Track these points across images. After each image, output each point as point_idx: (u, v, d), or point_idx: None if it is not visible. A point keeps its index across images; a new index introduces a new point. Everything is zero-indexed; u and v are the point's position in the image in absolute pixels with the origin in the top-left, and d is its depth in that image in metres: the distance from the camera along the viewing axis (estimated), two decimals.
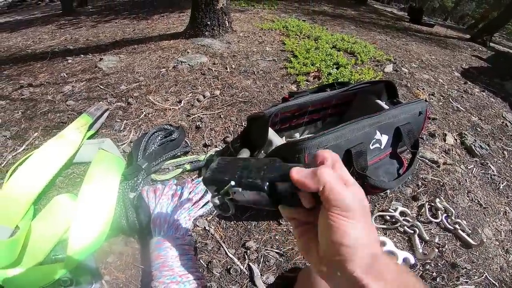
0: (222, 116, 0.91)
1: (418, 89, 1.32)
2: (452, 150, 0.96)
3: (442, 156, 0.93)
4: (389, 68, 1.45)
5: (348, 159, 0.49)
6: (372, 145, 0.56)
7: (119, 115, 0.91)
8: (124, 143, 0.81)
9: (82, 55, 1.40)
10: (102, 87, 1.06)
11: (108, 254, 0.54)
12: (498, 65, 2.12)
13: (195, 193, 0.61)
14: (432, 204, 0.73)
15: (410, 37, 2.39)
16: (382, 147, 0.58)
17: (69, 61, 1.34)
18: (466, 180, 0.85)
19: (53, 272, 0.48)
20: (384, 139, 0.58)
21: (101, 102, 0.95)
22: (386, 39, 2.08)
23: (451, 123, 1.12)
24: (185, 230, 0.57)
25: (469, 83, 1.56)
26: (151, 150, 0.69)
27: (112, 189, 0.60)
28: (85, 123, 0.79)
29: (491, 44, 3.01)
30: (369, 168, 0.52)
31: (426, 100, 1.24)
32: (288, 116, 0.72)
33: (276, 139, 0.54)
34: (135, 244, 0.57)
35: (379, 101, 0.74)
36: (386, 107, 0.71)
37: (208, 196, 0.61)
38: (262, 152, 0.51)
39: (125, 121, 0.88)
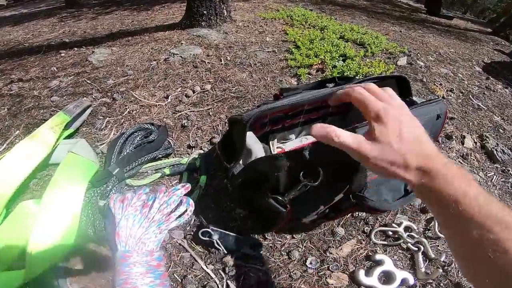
0: (211, 113, 0.83)
1: (435, 84, 1.19)
2: (470, 155, 0.85)
3: (459, 161, 0.82)
4: (402, 61, 1.31)
5: (343, 175, 0.40)
6: None
7: (102, 112, 0.85)
8: (104, 143, 0.75)
9: (75, 48, 1.34)
10: (89, 81, 1.00)
11: (77, 263, 0.51)
12: None
13: (168, 204, 0.54)
14: None
15: (427, 29, 2.21)
16: None
17: (62, 54, 1.29)
18: (484, 189, 0.74)
19: (13, 279, 0.45)
20: None
21: (84, 98, 0.89)
22: (401, 31, 1.92)
23: (470, 123, 0.99)
24: (155, 244, 0.50)
25: (491, 78, 1.41)
26: (125, 153, 0.62)
27: (77, 196, 0.56)
28: (60, 122, 0.73)
29: None
30: (370, 183, 0.43)
31: (443, 97, 1.12)
32: (281, 116, 0.63)
33: (257, 149, 0.45)
34: (107, 252, 0.53)
35: None
36: None
37: (182, 208, 0.54)
38: (241, 162, 0.43)
39: (107, 118, 0.82)
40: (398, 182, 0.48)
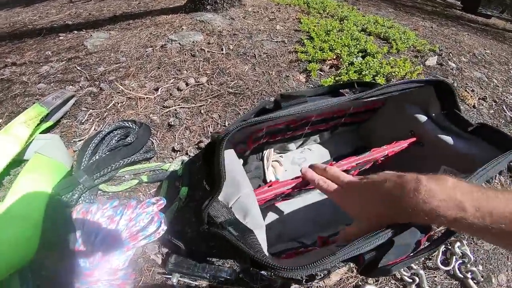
0: (202, 111, 0.73)
1: (466, 90, 1.04)
2: (494, 178, 0.72)
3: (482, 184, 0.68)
4: (432, 61, 1.15)
5: None
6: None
7: (87, 103, 0.77)
8: (82, 139, 0.67)
9: (75, 31, 1.28)
10: (79, 68, 0.93)
11: (42, 269, 0.47)
12: None
13: (136, 222, 0.46)
14: (450, 247, 0.58)
15: (461, 27, 1.98)
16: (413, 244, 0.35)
17: (61, 38, 1.23)
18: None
19: None
20: None
21: (69, 87, 0.82)
22: (432, 27, 1.71)
23: None
24: (120, 262, 0.44)
25: None
26: (97, 158, 0.54)
27: (40, 201, 0.51)
28: (35, 116, 0.66)
29: None
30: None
31: (474, 107, 0.96)
32: (280, 128, 0.52)
33: (242, 182, 0.34)
34: (72, 262, 0.47)
35: (419, 117, 0.49)
36: (429, 128, 0.47)
37: (152, 227, 0.46)
38: (218, 198, 0.32)
39: (90, 110, 0.75)
40: (411, 235, 0.35)
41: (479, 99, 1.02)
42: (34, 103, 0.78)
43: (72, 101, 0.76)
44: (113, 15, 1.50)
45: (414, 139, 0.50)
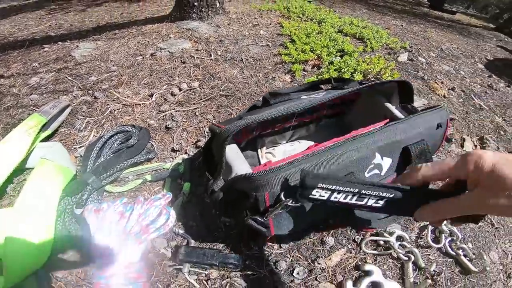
0: (197, 113, 0.78)
1: (436, 82, 1.14)
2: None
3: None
4: (403, 57, 1.26)
5: None
6: (368, 172, 0.41)
7: (82, 111, 0.80)
8: (83, 145, 0.70)
9: (60, 43, 1.28)
10: (70, 78, 0.95)
11: (57, 270, 0.49)
12: None
13: (146, 216, 0.50)
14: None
15: (429, 24, 2.14)
16: (382, 173, 0.43)
17: (46, 49, 1.23)
18: None
19: None
20: (387, 163, 0.43)
21: (63, 97, 0.84)
22: (402, 25, 1.85)
23: (471, 124, 0.95)
24: (134, 256, 0.48)
25: (494, 76, 1.36)
26: (102, 160, 0.58)
27: (50, 204, 0.53)
28: (35, 124, 0.68)
29: None
30: None
31: (444, 96, 1.07)
32: (270, 121, 0.58)
33: (238, 165, 0.40)
34: (87, 259, 0.50)
35: (388, 105, 0.58)
36: (397, 113, 0.55)
37: (161, 219, 0.50)
38: (221, 178, 0.38)
39: (87, 118, 0.77)
40: None
41: (448, 89, 1.12)
42: (29, 114, 0.80)
43: (67, 111, 0.79)
44: (96, 25, 1.51)
45: (387, 120, 0.58)
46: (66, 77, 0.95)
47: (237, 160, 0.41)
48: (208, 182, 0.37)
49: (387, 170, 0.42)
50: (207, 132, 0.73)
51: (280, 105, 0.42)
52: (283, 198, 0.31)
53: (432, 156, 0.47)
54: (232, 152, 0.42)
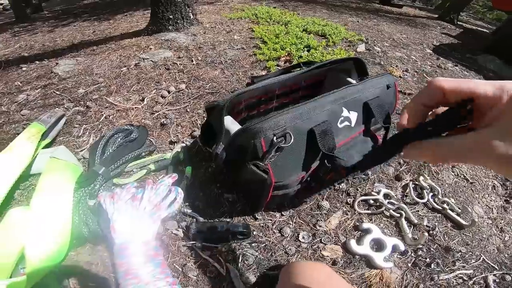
0: (188, 110, 0.86)
1: (391, 66, 1.32)
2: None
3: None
4: (361, 47, 1.43)
5: (312, 140, 0.46)
6: (340, 123, 0.53)
7: (77, 120, 0.84)
8: (84, 149, 0.75)
9: (37, 62, 1.29)
10: (58, 92, 0.98)
11: (76, 264, 0.52)
12: (467, 41, 2.18)
13: (157, 195, 0.56)
14: (417, 183, 0.69)
15: (381, 18, 2.40)
16: (352, 125, 0.55)
17: (24, 68, 1.23)
18: None
19: (18, 286, 0.45)
20: (354, 116, 0.55)
21: (56, 108, 0.88)
22: (358, 21, 2.07)
23: None
24: (150, 234, 0.53)
25: (441, 58, 1.58)
26: (108, 153, 0.64)
27: (66, 198, 0.56)
28: (36, 132, 0.72)
29: (459, 23, 3.09)
30: (340, 149, 0.49)
31: (400, 77, 1.24)
32: (254, 102, 0.68)
33: (235, 129, 0.50)
34: (103, 252, 0.54)
35: (349, 79, 0.71)
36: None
37: (171, 196, 0.57)
38: (221, 143, 0.47)
39: (84, 125, 0.82)
40: (365, 145, 0.55)
41: (403, 71, 1.30)
42: (23, 128, 0.83)
43: (63, 120, 0.83)
44: (71, 44, 1.53)
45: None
46: (53, 92, 0.98)
47: (233, 125, 0.50)
48: (211, 151, 0.45)
49: (355, 122, 0.54)
50: (199, 124, 0.81)
51: (262, 83, 0.52)
52: (276, 140, 0.40)
53: (391, 116, 0.60)
54: (228, 122, 0.51)
